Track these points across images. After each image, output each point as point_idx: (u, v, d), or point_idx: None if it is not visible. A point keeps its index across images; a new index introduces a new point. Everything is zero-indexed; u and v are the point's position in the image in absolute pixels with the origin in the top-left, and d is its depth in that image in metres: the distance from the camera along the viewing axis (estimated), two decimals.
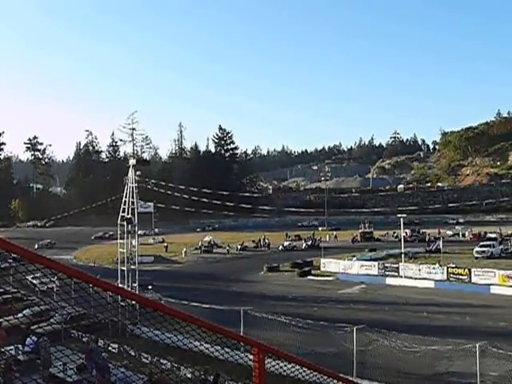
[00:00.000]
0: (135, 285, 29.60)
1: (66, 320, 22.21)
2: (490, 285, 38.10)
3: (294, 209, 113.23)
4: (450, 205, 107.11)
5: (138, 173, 34.68)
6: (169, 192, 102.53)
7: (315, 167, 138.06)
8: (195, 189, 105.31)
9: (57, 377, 14.38)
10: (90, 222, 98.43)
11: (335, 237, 77.12)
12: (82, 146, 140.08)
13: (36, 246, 74.34)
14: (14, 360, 17.07)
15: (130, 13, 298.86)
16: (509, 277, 38.42)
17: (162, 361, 18.83)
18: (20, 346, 17.97)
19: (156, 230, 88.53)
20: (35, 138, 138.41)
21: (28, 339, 18.04)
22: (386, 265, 46.39)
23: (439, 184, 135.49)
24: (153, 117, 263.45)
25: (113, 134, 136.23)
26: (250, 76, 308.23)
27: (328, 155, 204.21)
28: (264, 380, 3.17)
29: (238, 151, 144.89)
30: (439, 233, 71.56)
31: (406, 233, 61.20)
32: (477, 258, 50.24)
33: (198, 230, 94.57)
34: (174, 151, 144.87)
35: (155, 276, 43.36)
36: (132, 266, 30.25)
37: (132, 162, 32.28)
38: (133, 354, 20.76)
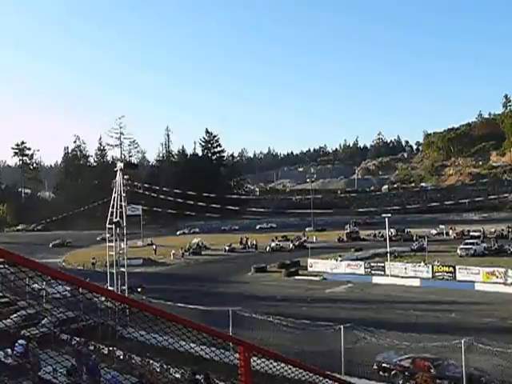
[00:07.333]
0: (124, 287, 29.65)
1: (55, 323, 22.16)
2: (474, 282, 38.63)
3: (281, 210, 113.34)
4: (433, 204, 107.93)
5: (126, 176, 34.73)
6: (155, 195, 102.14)
7: (301, 169, 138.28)
8: (183, 192, 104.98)
9: (47, 380, 14.42)
10: (79, 226, 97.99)
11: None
12: (69, 151, 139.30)
13: (50, 245, 78.05)
14: (2, 364, 17.10)
15: (114, 17, 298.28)
16: (492, 274, 39.05)
17: (150, 362, 18.92)
18: (9, 350, 17.95)
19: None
20: (23, 143, 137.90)
21: (17, 343, 18.04)
22: (372, 264, 46.74)
23: (423, 184, 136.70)
24: (140, 121, 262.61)
25: (100, 139, 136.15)
26: (236, 79, 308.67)
27: (313, 157, 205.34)
28: (251, 379, 3.14)
29: (225, 154, 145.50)
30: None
31: (392, 232, 61.65)
32: (461, 256, 50.76)
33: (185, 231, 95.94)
34: (161, 155, 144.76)
35: (144, 278, 43.28)
36: (121, 269, 30.30)
37: (120, 165, 32.26)
38: (122, 355, 20.81)
